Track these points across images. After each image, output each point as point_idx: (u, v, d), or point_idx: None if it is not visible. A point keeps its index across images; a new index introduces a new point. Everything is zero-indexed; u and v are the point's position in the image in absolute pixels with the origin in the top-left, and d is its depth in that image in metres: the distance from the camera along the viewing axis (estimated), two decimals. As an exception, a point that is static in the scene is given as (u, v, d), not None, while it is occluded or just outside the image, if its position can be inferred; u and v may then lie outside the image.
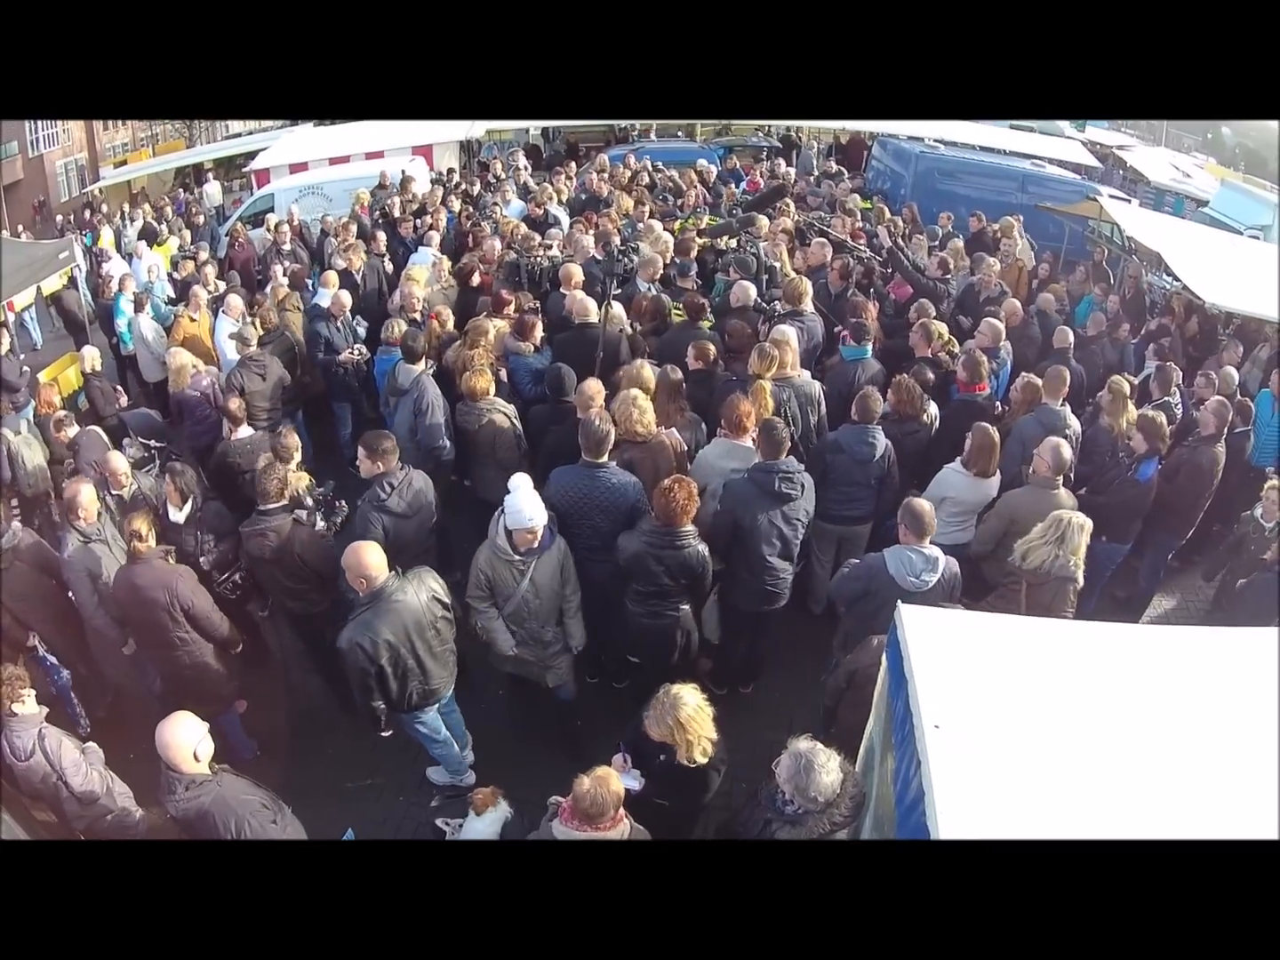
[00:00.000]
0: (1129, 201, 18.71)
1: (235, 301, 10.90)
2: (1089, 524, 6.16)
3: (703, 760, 4.87)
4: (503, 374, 8.57)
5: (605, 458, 6.51)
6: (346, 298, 10.52)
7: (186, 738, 4.66)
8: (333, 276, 11.23)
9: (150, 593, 6.29)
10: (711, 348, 8.03)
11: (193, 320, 11.39)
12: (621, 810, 4.47)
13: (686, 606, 6.39)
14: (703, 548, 6.17)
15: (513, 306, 9.44)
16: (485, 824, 5.74)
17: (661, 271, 10.29)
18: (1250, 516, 7.94)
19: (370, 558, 5.65)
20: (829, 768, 4.30)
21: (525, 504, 5.86)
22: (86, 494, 6.80)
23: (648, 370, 7.49)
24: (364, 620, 5.66)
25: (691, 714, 4.77)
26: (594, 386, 7.17)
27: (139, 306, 12.39)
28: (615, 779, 4.48)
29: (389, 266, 12.74)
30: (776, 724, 6.83)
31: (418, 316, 9.93)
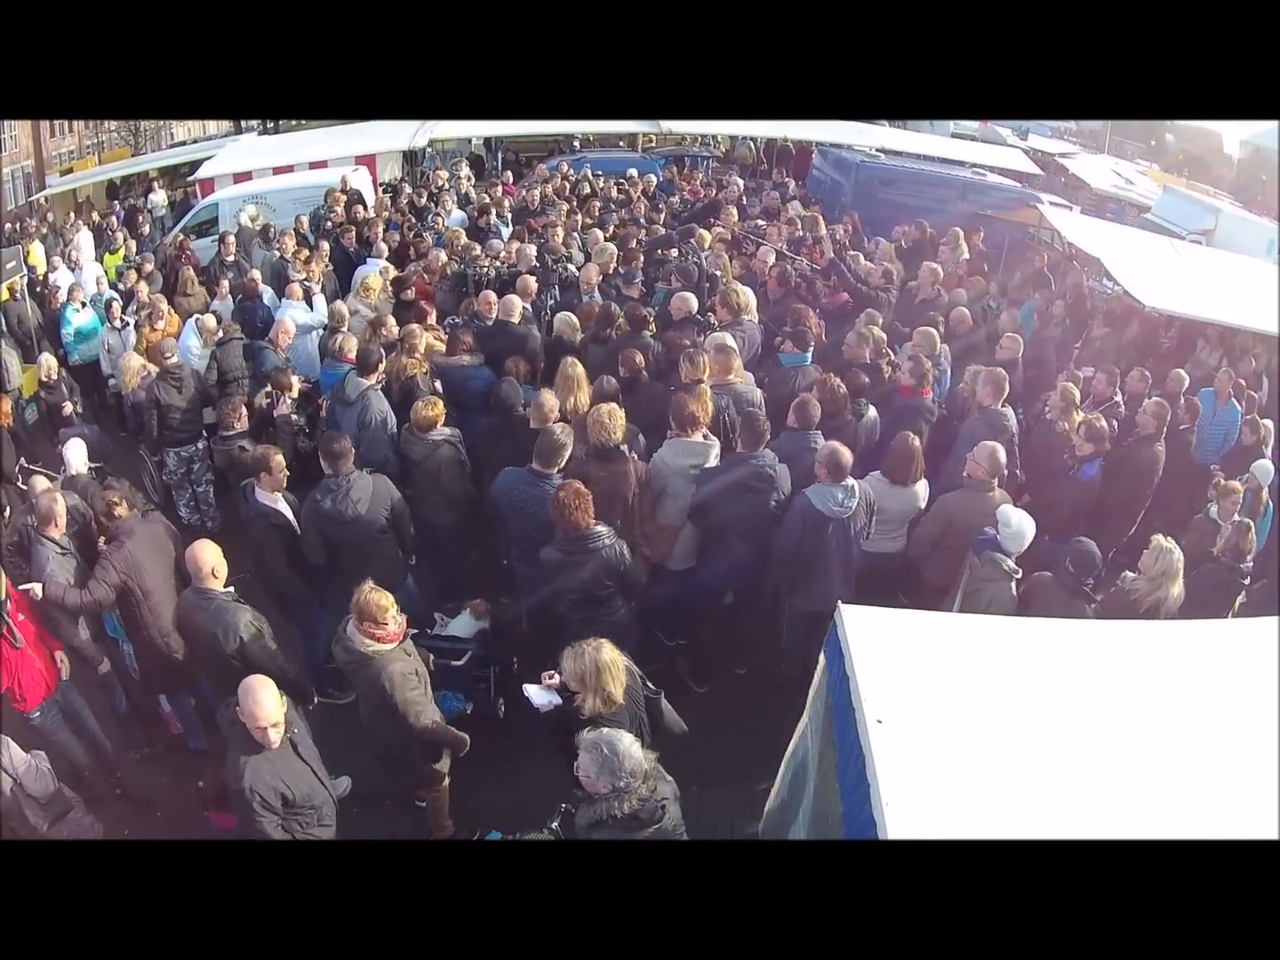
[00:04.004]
0: (1069, 208, 18.90)
1: (209, 321, 10.70)
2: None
3: (590, 713, 4.94)
4: (437, 384, 8.53)
5: (554, 470, 6.62)
6: (291, 325, 10.25)
7: (271, 704, 4.76)
8: (297, 289, 11.24)
9: (164, 541, 6.86)
10: (639, 357, 8.05)
11: (154, 330, 11.27)
12: (401, 628, 5.50)
13: (623, 611, 6.44)
14: (621, 546, 6.26)
15: (433, 317, 9.58)
16: (464, 626, 6.92)
17: (601, 280, 10.27)
18: (1205, 518, 7.95)
19: (205, 553, 5.96)
20: (631, 746, 4.33)
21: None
22: (61, 507, 6.76)
23: (580, 368, 7.77)
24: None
25: (607, 661, 4.92)
26: (551, 400, 7.26)
27: (110, 318, 12.36)
28: (386, 596, 5.38)
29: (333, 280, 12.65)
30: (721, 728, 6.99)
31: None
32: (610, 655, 4.96)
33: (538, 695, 5.30)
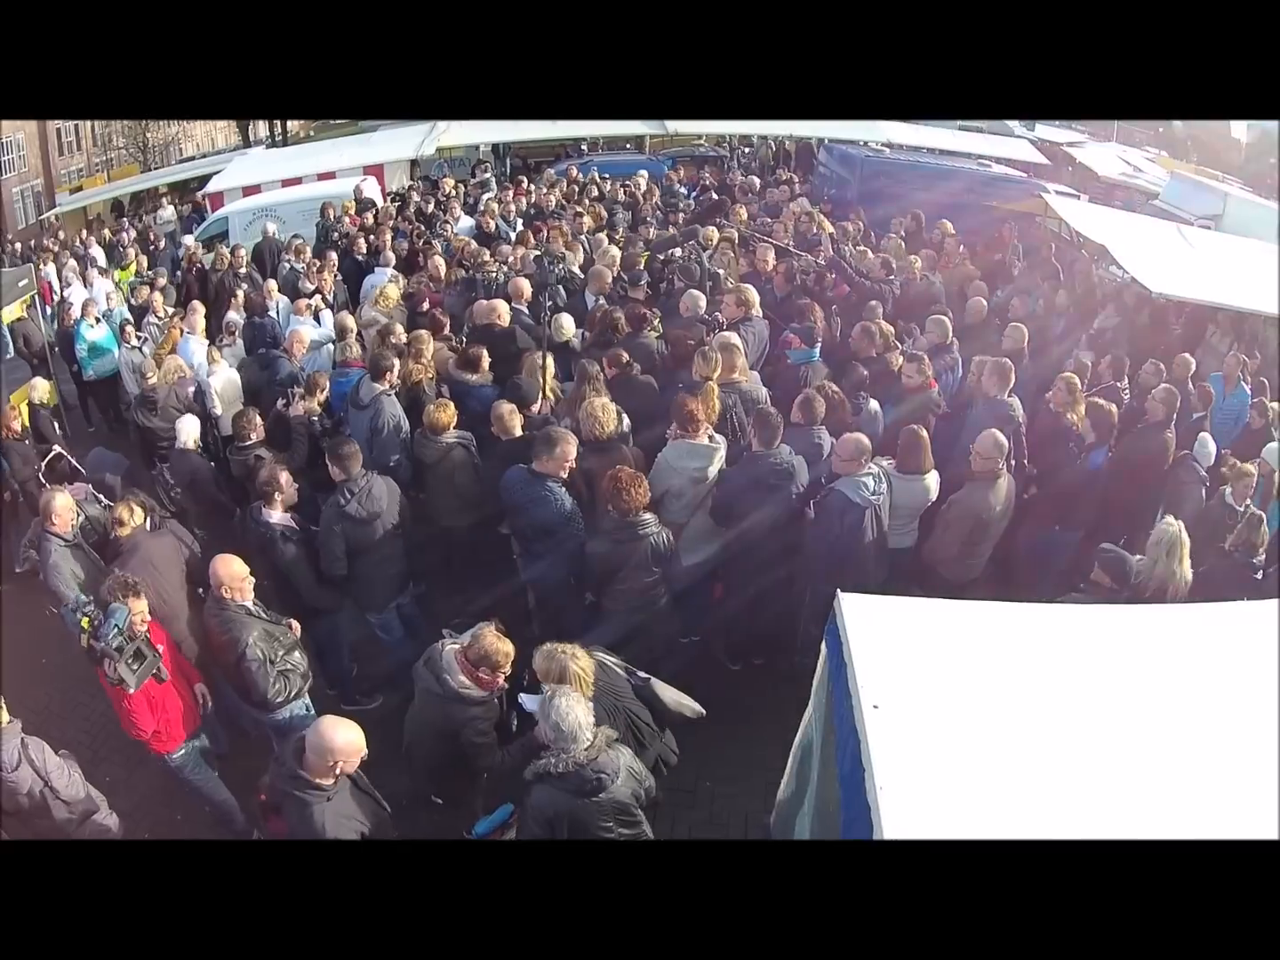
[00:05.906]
0: (1077, 197, 18.84)
1: (200, 324, 11.01)
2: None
3: None
4: (444, 389, 8.59)
5: (554, 469, 6.60)
6: (306, 335, 10.26)
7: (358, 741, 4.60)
8: (303, 305, 11.34)
9: (170, 553, 6.84)
10: (624, 356, 8.12)
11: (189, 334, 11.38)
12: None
13: (666, 599, 6.53)
14: (667, 534, 6.34)
15: (448, 328, 9.61)
16: None
17: (610, 285, 10.30)
18: (1219, 503, 7.79)
19: (218, 568, 6.00)
20: (571, 704, 4.42)
21: None
22: (61, 501, 6.90)
23: (547, 359, 7.97)
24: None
25: (574, 673, 4.85)
26: (507, 407, 7.41)
27: (125, 339, 12.52)
28: (510, 644, 5.21)
29: (344, 289, 12.79)
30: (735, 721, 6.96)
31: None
32: (580, 667, 4.88)
33: (531, 702, 5.33)
